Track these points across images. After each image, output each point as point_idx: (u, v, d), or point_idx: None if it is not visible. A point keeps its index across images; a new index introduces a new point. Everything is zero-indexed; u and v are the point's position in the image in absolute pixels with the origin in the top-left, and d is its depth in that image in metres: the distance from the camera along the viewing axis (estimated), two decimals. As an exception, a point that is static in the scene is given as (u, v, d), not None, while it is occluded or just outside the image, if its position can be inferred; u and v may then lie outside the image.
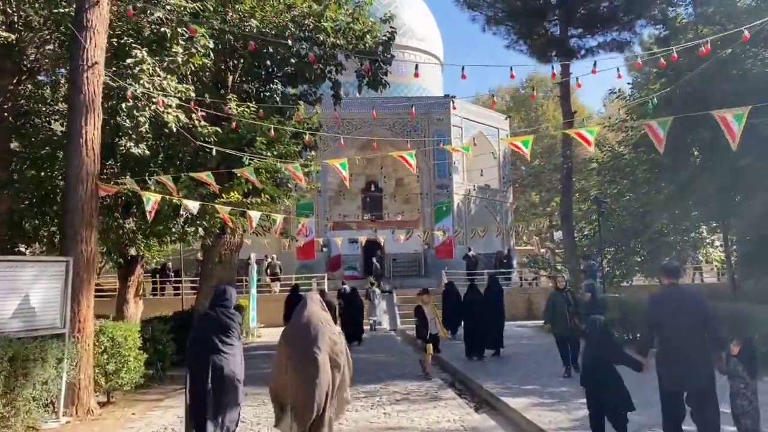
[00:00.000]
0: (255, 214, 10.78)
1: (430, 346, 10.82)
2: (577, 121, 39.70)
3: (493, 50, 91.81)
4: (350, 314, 17.58)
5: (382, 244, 29.62)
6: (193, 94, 11.41)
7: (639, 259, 20.75)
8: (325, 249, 29.72)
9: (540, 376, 10.43)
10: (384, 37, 15.01)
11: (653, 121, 7.04)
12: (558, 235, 46.52)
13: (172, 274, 25.28)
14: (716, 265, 18.72)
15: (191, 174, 9.92)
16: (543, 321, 13.17)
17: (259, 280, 24.33)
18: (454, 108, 31.19)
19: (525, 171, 49.07)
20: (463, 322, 13.79)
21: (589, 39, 20.30)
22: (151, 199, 9.17)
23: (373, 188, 31.06)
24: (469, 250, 27.79)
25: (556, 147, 46.72)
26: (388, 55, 15.54)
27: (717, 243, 18.59)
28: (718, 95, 12.62)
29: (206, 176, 9.22)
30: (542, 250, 43.16)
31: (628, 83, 19.37)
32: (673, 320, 5.50)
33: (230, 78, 14.99)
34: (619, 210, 21.22)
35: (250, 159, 11.20)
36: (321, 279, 25.95)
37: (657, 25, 18.28)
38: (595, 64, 9.29)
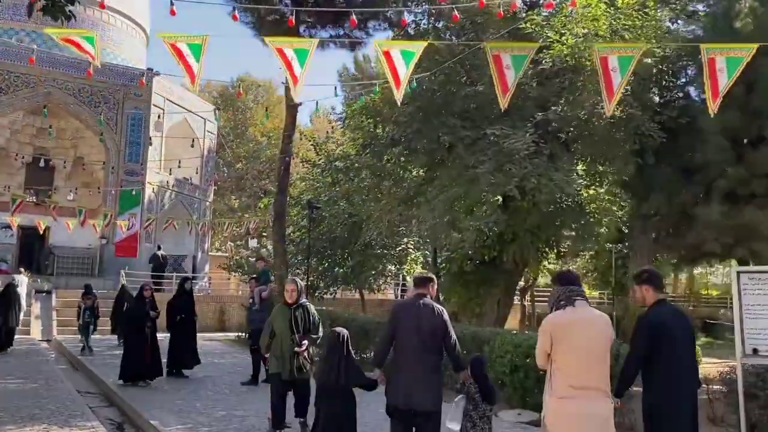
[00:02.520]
0: None
1: None
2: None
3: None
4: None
5: (41, 232, 23.90)
6: None
7: (343, 271, 19.70)
8: (-38, 232, 22.94)
9: (246, 414, 7.84)
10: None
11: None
12: (254, 243, 44.72)
13: None
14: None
15: None
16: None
17: None
18: (156, 85, 27.04)
19: (227, 173, 46.52)
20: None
21: (321, 30, 18.75)
22: None
23: (42, 164, 25.01)
24: (159, 248, 23.98)
25: (262, 153, 45.22)
26: (79, -23, 11.63)
27: (421, 260, 18.47)
28: (458, 103, 11.88)
29: None
30: (237, 258, 40.88)
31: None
32: (411, 333, 5.10)
33: None
34: (330, 218, 19.99)
35: None
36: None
37: (392, 28, 17.52)
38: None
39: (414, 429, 5.12)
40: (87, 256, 25.61)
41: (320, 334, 6.86)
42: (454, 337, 5.24)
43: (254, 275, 12.70)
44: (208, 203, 32.04)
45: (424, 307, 5.22)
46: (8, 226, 23.90)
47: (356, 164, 16.03)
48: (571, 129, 12.18)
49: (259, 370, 9.94)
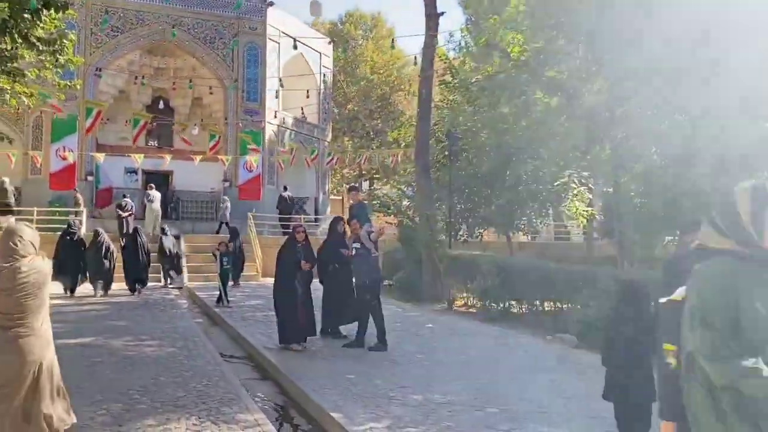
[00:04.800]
0: None
1: None
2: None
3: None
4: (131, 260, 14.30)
5: (170, 177, 23.47)
6: None
7: (492, 209, 17.28)
8: (90, 178, 22.54)
9: (451, 399, 5.77)
10: None
11: None
12: (366, 185, 43.11)
13: None
14: (581, 223, 15.89)
15: None
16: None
17: None
18: (270, 17, 25.22)
19: (338, 114, 44.85)
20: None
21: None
22: None
23: (162, 106, 24.15)
24: (285, 189, 22.63)
25: (373, 91, 43.10)
26: None
27: (588, 196, 15.69)
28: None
29: None
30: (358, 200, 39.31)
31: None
32: None
33: None
34: (471, 150, 17.55)
35: None
36: (82, 216, 19.16)
37: None
38: None
39: None
40: (210, 200, 24.82)
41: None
42: None
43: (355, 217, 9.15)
44: (326, 143, 30.41)
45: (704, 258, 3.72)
46: (134, 171, 23.41)
47: (513, 83, 13.33)
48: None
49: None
